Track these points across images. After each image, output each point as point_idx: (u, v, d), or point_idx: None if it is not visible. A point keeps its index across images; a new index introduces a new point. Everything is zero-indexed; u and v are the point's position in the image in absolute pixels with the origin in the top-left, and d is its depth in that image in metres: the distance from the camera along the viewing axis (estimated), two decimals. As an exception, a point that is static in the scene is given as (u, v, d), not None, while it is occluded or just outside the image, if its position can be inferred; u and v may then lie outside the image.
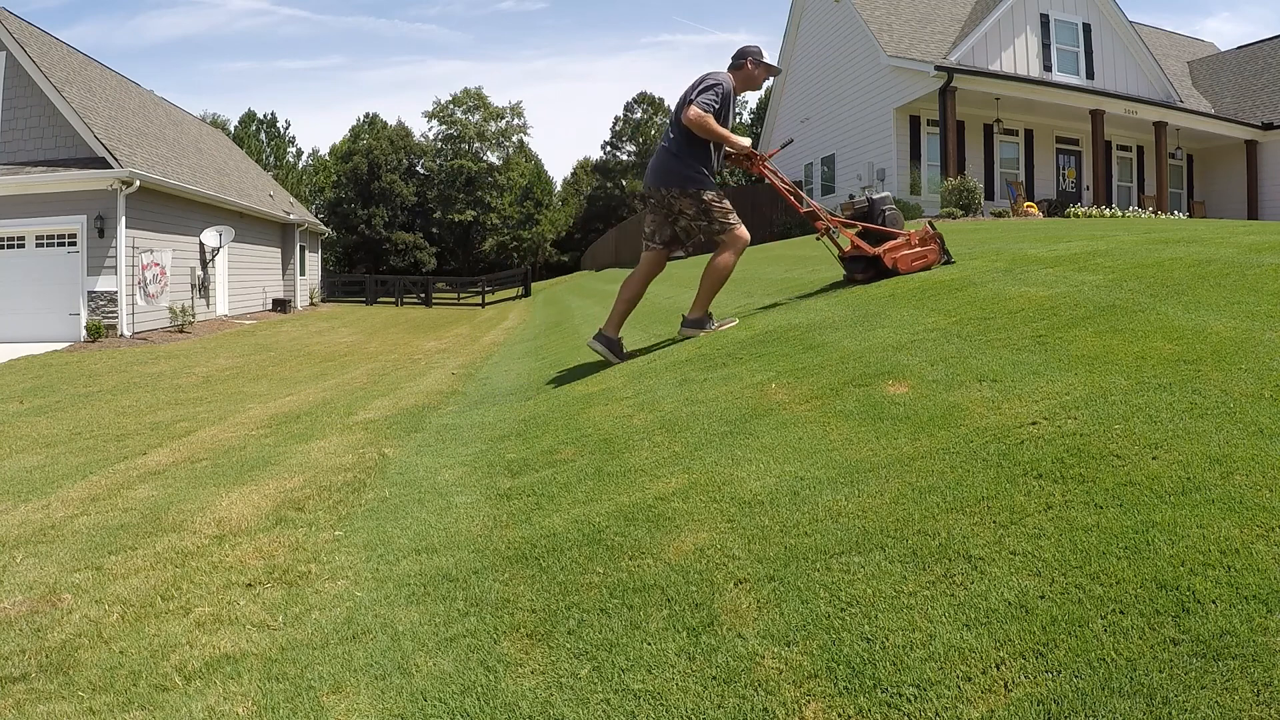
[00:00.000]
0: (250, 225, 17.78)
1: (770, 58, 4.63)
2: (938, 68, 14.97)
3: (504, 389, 5.17)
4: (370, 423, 4.62)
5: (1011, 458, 1.94)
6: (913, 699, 1.25)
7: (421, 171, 51.27)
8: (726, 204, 4.40)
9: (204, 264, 15.29)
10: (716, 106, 4.25)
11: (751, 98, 55.92)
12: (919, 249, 4.74)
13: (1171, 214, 15.69)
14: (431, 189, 50.01)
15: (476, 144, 51.53)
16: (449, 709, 1.48)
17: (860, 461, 2.16)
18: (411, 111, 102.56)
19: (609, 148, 55.02)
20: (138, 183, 12.27)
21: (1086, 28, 17.22)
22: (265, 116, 50.44)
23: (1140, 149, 18.51)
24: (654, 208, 4.57)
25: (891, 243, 4.71)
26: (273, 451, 4.13)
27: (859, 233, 4.82)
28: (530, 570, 2.02)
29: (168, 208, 13.81)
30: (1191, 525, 1.48)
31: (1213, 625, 1.23)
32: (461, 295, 29.45)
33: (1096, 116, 15.78)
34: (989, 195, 16.24)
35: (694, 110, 4.17)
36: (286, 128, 51.64)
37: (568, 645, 1.63)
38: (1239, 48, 20.71)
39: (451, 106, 51.61)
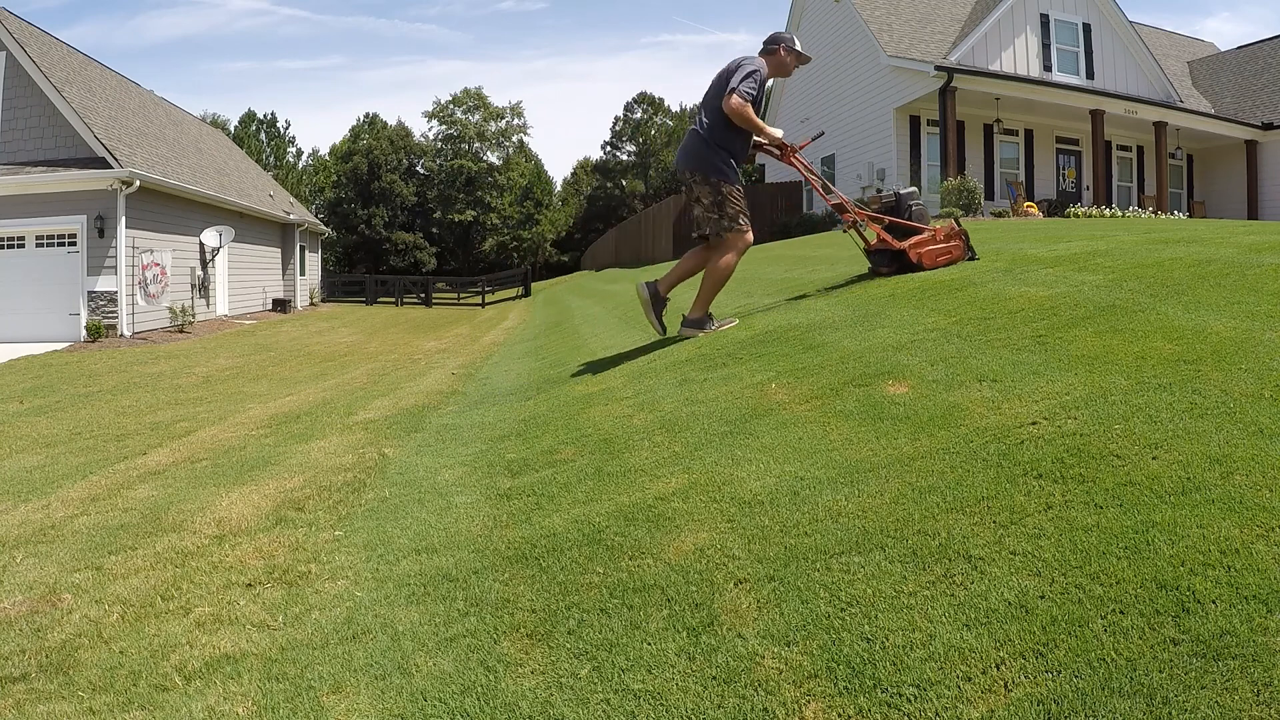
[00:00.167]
0: (250, 225, 17.78)
1: (800, 46, 4.63)
2: (938, 68, 14.97)
3: (504, 389, 5.17)
4: (370, 423, 4.62)
5: (1011, 458, 1.94)
6: (913, 699, 1.25)
7: (421, 171, 51.28)
8: (742, 203, 4.41)
9: (204, 264, 15.29)
10: (755, 95, 4.26)
11: (751, 98, 55.86)
12: (944, 245, 4.76)
13: (1171, 214, 15.69)
14: (431, 189, 50.01)
15: (476, 144, 51.54)
16: (449, 709, 1.48)
17: (860, 461, 2.16)
18: (411, 111, 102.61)
19: (609, 148, 55.07)
20: (138, 183, 12.27)
21: (1086, 28, 17.21)
22: (265, 116, 50.45)
23: (1140, 149, 18.50)
24: (685, 192, 4.64)
25: (917, 238, 4.72)
26: (273, 451, 4.13)
27: (885, 226, 4.84)
28: (530, 570, 2.02)
29: (168, 208, 13.81)
30: (1191, 525, 1.48)
31: (1213, 625, 1.23)
32: (461, 295, 29.44)
33: (1096, 116, 15.78)
34: (989, 195, 16.24)
35: (736, 99, 4.16)
36: (286, 128, 51.69)
37: (568, 645, 1.63)
38: (1239, 48, 20.70)
39: (451, 106, 51.62)
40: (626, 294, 11.63)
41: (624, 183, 52.31)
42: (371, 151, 48.91)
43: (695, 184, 4.40)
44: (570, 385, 4.48)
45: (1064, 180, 17.98)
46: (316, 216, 33.46)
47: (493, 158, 51.97)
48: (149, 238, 13.14)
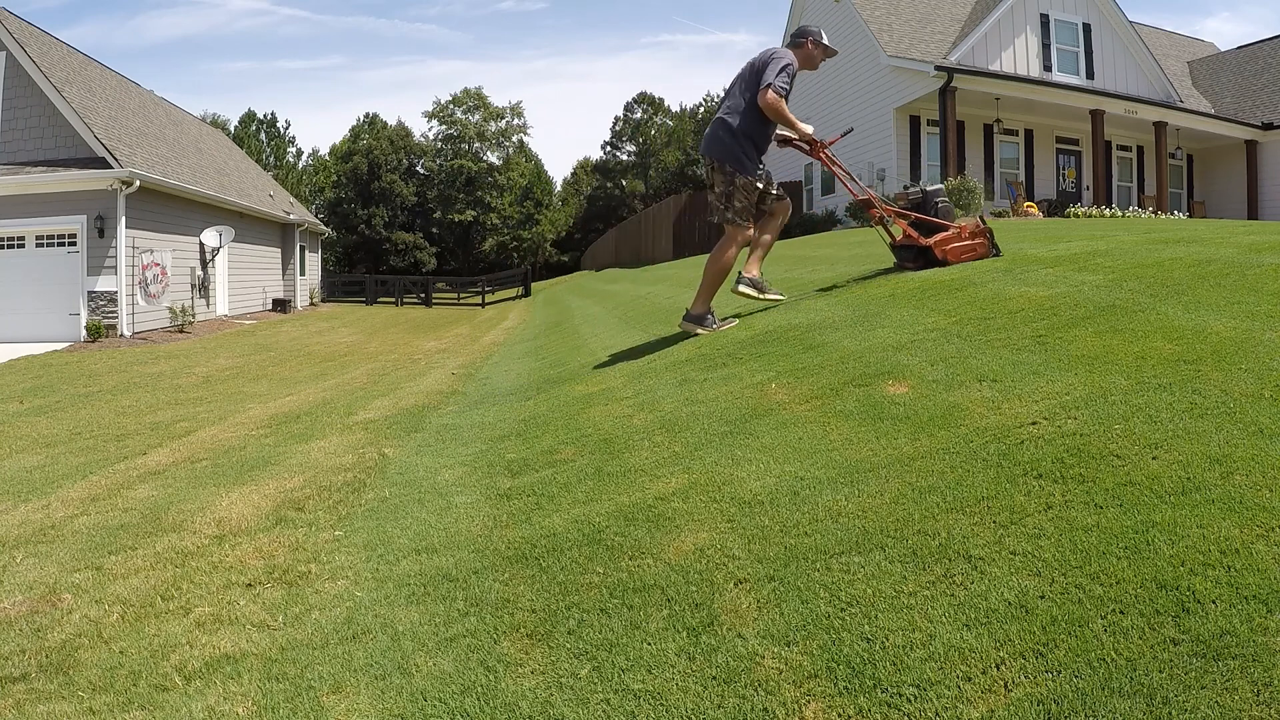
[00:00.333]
0: (250, 225, 17.78)
1: (827, 40, 4.67)
2: (938, 68, 14.97)
3: (504, 389, 5.17)
4: (370, 423, 4.62)
5: (1011, 458, 1.94)
6: (913, 699, 1.25)
7: (421, 171, 51.25)
8: (752, 198, 4.45)
9: (204, 264, 15.29)
10: (788, 88, 4.30)
11: (751, 98, 55.80)
12: (969, 241, 4.80)
13: (1171, 214, 15.69)
14: (431, 189, 49.99)
15: (476, 144, 51.51)
16: (449, 709, 1.48)
17: (860, 461, 2.16)
18: (411, 111, 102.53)
19: (609, 148, 55.01)
20: (138, 183, 12.27)
21: (1086, 28, 17.21)
22: (265, 116, 50.42)
23: (1140, 149, 18.50)
24: (705, 174, 4.67)
25: (943, 234, 4.75)
26: (273, 451, 4.13)
27: (911, 223, 4.86)
28: (530, 570, 2.02)
29: (168, 208, 13.81)
30: (1191, 525, 1.48)
31: (1213, 625, 1.23)
32: (461, 295, 29.43)
33: (1096, 116, 15.77)
34: (989, 195, 16.23)
35: (771, 95, 4.20)
36: (286, 128, 51.63)
37: (568, 645, 1.63)
38: (1239, 48, 20.70)
39: (451, 106, 51.60)
40: (626, 294, 11.63)
41: (624, 183, 52.27)
42: (371, 151, 48.89)
43: (713, 170, 4.48)
44: (570, 385, 4.48)
45: (1064, 180, 17.98)
46: (316, 216, 33.45)
47: (493, 158, 51.96)
48: (149, 238, 13.14)
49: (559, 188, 57.85)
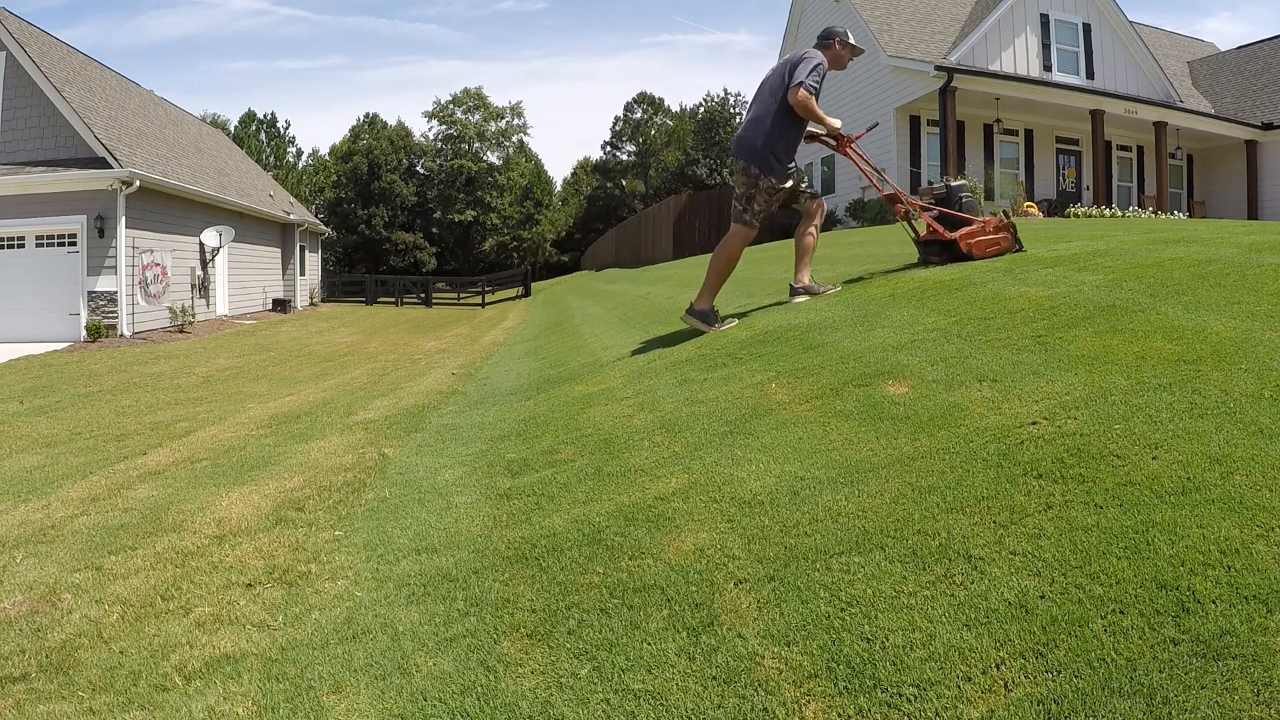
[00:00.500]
0: (250, 225, 17.77)
1: (855, 39, 4.73)
2: (938, 68, 14.97)
3: (504, 389, 5.17)
4: (370, 423, 4.62)
5: (1011, 458, 1.94)
6: (913, 699, 1.25)
7: (421, 171, 51.25)
8: (773, 202, 4.51)
9: (204, 264, 15.29)
10: (818, 87, 4.37)
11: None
12: (993, 235, 4.85)
13: (1171, 214, 15.68)
14: (431, 189, 49.99)
15: (476, 144, 51.50)
16: (449, 709, 1.48)
17: (860, 461, 2.16)
18: (411, 111, 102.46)
19: (609, 148, 54.99)
20: (138, 183, 12.27)
21: (1086, 28, 17.21)
22: (265, 116, 50.42)
23: (1140, 149, 18.50)
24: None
25: (967, 229, 4.80)
26: (273, 451, 4.13)
27: (936, 217, 4.90)
28: (530, 570, 2.02)
29: (168, 208, 13.81)
30: (1191, 525, 1.48)
31: (1213, 625, 1.23)
32: (461, 295, 29.43)
33: (1096, 116, 15.77)
34: (989, 195, 16.23)
35: (803, 93, 4.27)
36: (286, 128, 51.62)
37: (568, 645, 1.63)
38: (1239, 48, 20.69)
39: (451, 106, 51.59)
40: (626, 294, 11.63)
41: (624, 183, 52.25)
42: (371, 151, 48.89)
43: (739, 171, 4.54)
44: (570, 385, 4.48)
45: (1064, 180, 17.98)
46: (316, 216, 33.45)
47: (493, 158, 51.94)
48: (149, 238, 13.14)
49: (559, 188, 57.84)
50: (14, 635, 2.08)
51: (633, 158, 53.67)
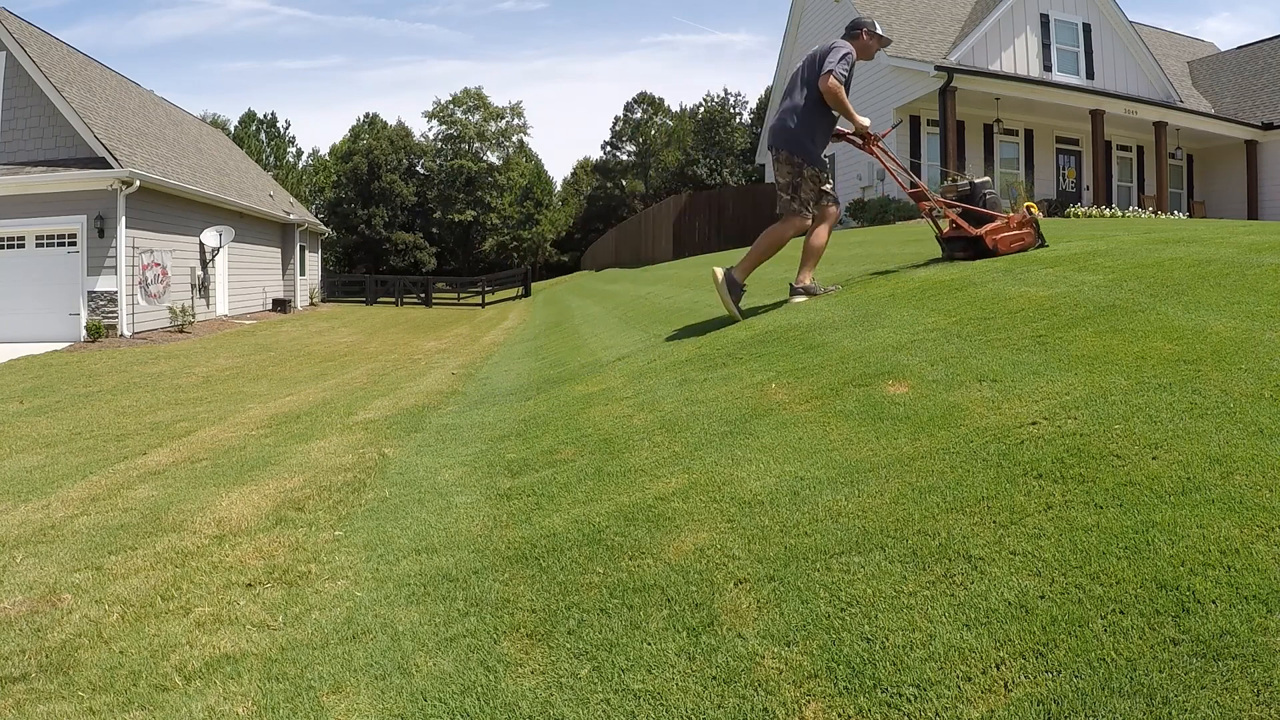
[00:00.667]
0: (250, 225, 17.77)
1: (883, 30, 4.74)
2: (938, 68, 14.96)
3: (504, 389, 5.17)
4: (370, 423, 4.62)
5: (1011, 458, 1.94)
6: (913, 699, 1.25)
7: (421, 171, 51.24)
8: (816, 189, 4.51)
9: (204, 264, 15.29)
10: (848, 75, 4.37)
11: (752, 98, 55.88)
12: (1017, 231, 4.89)
13: (1171, 214, 15.68)
14: (431, 189, 49.98)
15: (476, 144, 51.50)
16: (449, 709, 1.48)
17: (860, 461, 2.16)
18: (411, 111, 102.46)
19: (609, 148, 54.99)
20: (138, 183, 12.27)
21: (1086, 28, 17.21)
22: (265, 116, 50.41)
23: (1140, 149, 18.49)
24: (771, 164, 4.74)
25: (992, 225, 4.83)
26: (273, 451, 4.13)
27: (960, 214, 4.91)
28: (530, 570, 2.02)
29: (168, 208, 13.81)
30: (1191, 525, 1.48)
31: (1213, 625, 1.23)
32: (461, 295, 29.43)
33: (1096, 116, 15.77)
34: (989, 195, 16.20)
35: (833, 81, 4.28)
36: (286, 128, 51.61)
37: (568, 645, 1.63)
38: (1239, 48, 20.69)
39: (451, 106, 51.59)
40: (627, 294, 11.63)
41: (624, 183, 52.24)
42: (371, 151, 48.89)
43: (780, 161, 4.54)
44: (570, 385, 4.48)
45: (1064, 180, 17.98)
46: (316, 216, 33.45)
47: (493, 158, 51.94)
48: (149, 238, 13.14)
49: (559, 188, 57.83)
50: (14, 635, 2.08)
51: (633, 158, 53.67)
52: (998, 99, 15.88)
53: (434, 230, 49.56)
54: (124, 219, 12.29)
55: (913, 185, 5.03)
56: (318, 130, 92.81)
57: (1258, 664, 1.14)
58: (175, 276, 14.05)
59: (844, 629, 1.46)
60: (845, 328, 3.68)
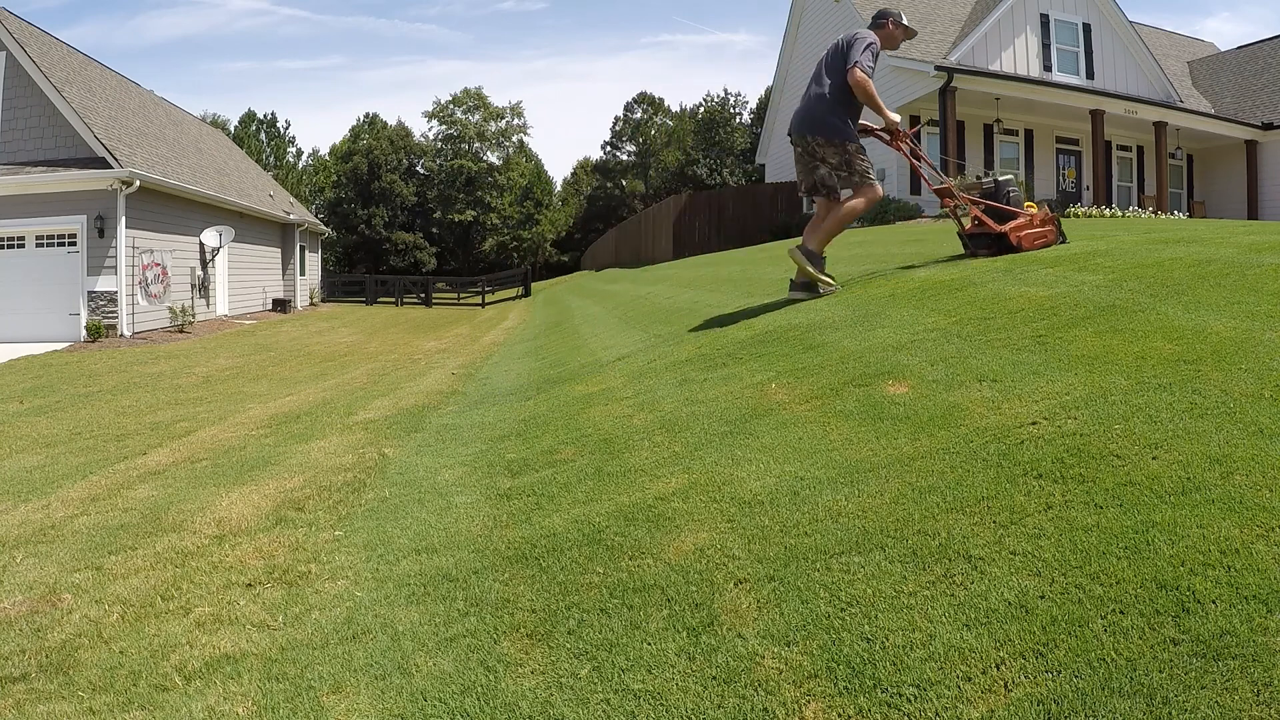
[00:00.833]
0: (250, 225, 17.77)
1: (907, 20, 4.74)
2: (938, 68, 14.97)
3: (504, 389, 5.17)
4: (370, 423, 4.62)
5: (1011, 458, 1.94)
6: (913, 699, 1.25)
7: (421, 171, 51.24)
8: (869, 160, 4.51)
9: (204, 264, 15.29)
10: (873, 66, 4.38)
11: (752, 98, 55.85)
12: (1040, 228, 4.92)
13: (1171, 214, 15.68)
14: (431, 189, 49.98)
15: (476, 144, 51.49)
16: (449, 709, 1.48)
17: (860, 461, 2.16)
18: (411, 111, 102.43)
19: (609, 148, 54.98)
20: (138, 183, 12.27)
21: (1086, 28, 17.21)
22: (265, 116, 50.41)
23: (1140, 149, 18.50)
24: (799, 156, 4.67)
25: (1015, 222, 4.86)
26: (273, 451, 4.13)
27: (984, 210, 4.94)
28: (530, 570, 2.02)
29: (168, 208, 13.81)
30: (1191, 525, 1.48)
31: (1213, 625, 1.23)
32: (461, 295, 29.42)
33: (1096, 116, 15.77)
34: (989, 195, 16.21)
35: (860, 74, 4.29)
36: (286, 128, 51.60)
37: (568, 645, 1.63)
38: (1239, 48, 20.70)
39: (451, 106, 51.58)
40: (627, 294, 11.63)
41: (624, 183, 52.24)
42: (371, 151, 48.88)
43: (818, 146, 4.50)
44: (570, 385, 4.48)
45: (1064, 180, 17.99)
46: (316, 216, 33.45)
47: (493, 158, 51.94)
48: (149, 238, 13.14)
49: (559, 188, 57.83)
50: (14, 635, 2.08)
51: (633, 158, 53.66)
52: (998, 99, 15.89)
53: (434, 230, 49.56)
54: (124, 219, 12.29)
55: (940, 182, 5.05)
56: (318, 130, 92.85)
57: (1258, 664, 1.14)
58: (175, 276, 14.05)
59: (844, 629, 1.46)
60: (845, 328, 3.68)
